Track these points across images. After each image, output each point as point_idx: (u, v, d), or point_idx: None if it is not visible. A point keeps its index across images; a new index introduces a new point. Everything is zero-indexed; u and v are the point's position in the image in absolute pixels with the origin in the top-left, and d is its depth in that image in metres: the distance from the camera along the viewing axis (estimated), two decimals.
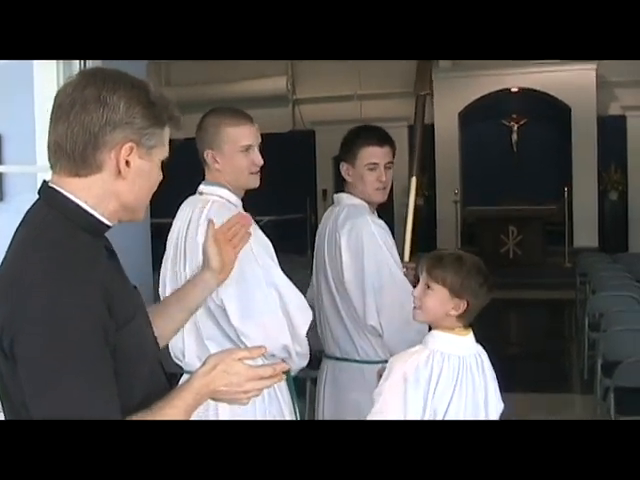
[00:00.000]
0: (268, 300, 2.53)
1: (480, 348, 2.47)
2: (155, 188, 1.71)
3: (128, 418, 1.51)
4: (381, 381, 2.39)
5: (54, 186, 1.61)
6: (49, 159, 1.63)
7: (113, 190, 1.63)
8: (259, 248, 2.55)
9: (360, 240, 3.00)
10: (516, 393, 5.74)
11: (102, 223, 1.64)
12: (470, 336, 2.43)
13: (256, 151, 2.68)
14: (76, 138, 1.58)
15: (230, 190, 2.66)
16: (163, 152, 1.69)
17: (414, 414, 2.31)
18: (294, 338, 2.57)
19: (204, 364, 1.65)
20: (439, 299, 2.38)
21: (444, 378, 2.34)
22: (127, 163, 1.61)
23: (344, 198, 3.20)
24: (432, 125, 14.02)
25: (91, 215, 1.62)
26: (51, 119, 1.61)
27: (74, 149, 1.58)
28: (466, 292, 2.36)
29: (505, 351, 7.87)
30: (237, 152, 2.64)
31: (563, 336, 9.27)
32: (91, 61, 3.35)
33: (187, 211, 2.66)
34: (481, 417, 2.39)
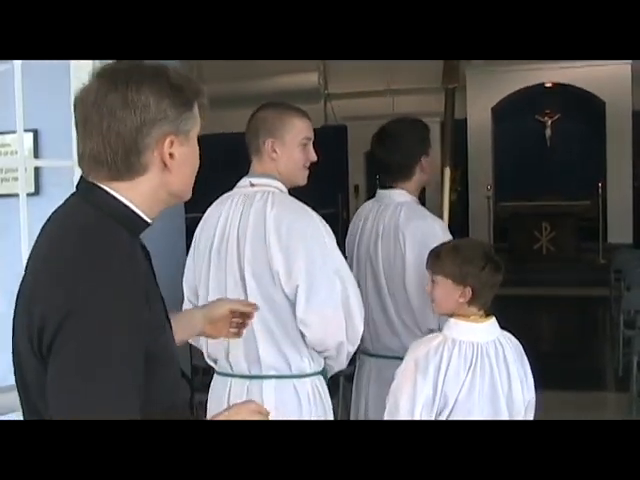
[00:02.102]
0: (333, 292, 2.50)
1: (507, 336, 2.51)
2: (198, 165, 1.68)
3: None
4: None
5: (94, 181, 1.57)
6: (82, 168, 1.58)
7: (162, 184, 1.60)
8: (330, 239, 2.54)
9: (425, 243, 2.96)
10: (549, 391, 5.70)
11: (142, 220, 1.60)
12: (489, 323, 2.47)
13: (311, 147, 2.68)
14: (115, 148, 1.53)
15: (281, 183, 2.63)
16: (197, 129, 1.66)
17: (423, 399, 2.37)
18: (350, 336, 2.56)
19: (227, 409, 1.66)
20: (445, 290, 2.46)
21: (454, 364, 2.39)
22: (171, 155, 1.58)
23: (397, 195, 3.13)
24: (465, 120, 13.95)
25: (132, 211, 1.58)
26: (78, 132, 1.55)
27: (116, 159, 1.54)
28: (467, 278, 2.42)
29: (538, 348, 7.80)
30: (297, 144, 2.63)
31: (597, 333, 9.20)
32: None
33: (234, 204, 2.61)
34: (502, 406, 2.42)
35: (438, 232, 2.99)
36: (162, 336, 1.58)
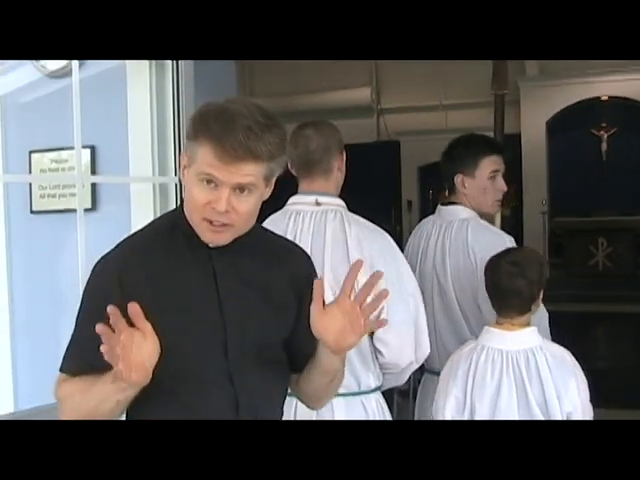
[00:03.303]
0: (408, 313, 2.52)
1: (549, 348, 2.52)
2: (202, 208, 1.72)
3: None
4: None
5: None
6: None
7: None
8: (403, 258, 2.54)
9: None
10: (607, 409, 5.59)
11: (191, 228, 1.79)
12: (522, 332, 2.49)
13: None
14: None
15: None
16: (196, 168, 1.71)
17: (452, 401, 2.43)
18: (418, 355, 2.57)
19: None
20: None
21: (481, 369, 2.44)
22: (183, 172, 1.78)
23: (460, 211, 3.08)
24: (519, 135, 13.80)
25: (186, 222, 1.79)
26: None
27: None
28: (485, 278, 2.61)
29: (595, 366, 7.67)
30: None
31: None
32: (184, 65, 3.42)
33: (299, 222, 2.60)
34: (537, 415, 2.40)
35: (508, 245, 2.93)
36: (160, 319, 1.65)
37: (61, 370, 1.81)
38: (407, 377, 2.65)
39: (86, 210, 3.36)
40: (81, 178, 3.39)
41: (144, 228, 1.90)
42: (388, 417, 2.60)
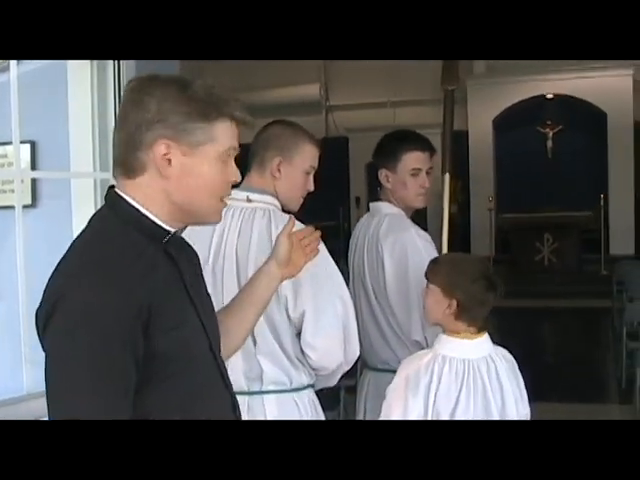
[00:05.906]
0: (336, 316, 2.47)
1: (501, 353, 2.48)
2: (222, 188, 1.65)
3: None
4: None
5: (115, 189, 1.63)
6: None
7: (161, 190, 1.60)
8: (331, 260, 2.50)
9: (404, 254, 2.94)
10: (552, 403, 5.66)
11: (158, 226, 1.61)
12: (481, 340, 2.43)
13: (312, 177, 2.69)
14: (120, 143, 1.60)
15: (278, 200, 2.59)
16: (217, 148, 1.62)
17: (415, 417, 2.34)
18: (348, 357, 2.53)
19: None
20: (434, 298, 2.43)
21: (445, 381, 2.36)
22: (169, 162, 1.58)
23: (383, 207, 3.13)
24: (466, 132, 13.94)
25: (146, 217, 1.60)
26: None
27: (120, 153, 1.60)
28: (456, 290, 2.38)
29: (540, 360, 7.77)
30: (302, 170, 2.62)
31: (600, 345, 9.15)
32: (125, 63, 3.36)
33: (228, 217, 2.51)
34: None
35: (418, 243, 2.95)
36: (177, 333, 1.55)
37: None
38: (338, 379, 2.63)
39: (26, 206, 3.27)
40: (20, 173, 3.31)
41: (101, 244, 1.56)
42: (321, 414, 2.58)
